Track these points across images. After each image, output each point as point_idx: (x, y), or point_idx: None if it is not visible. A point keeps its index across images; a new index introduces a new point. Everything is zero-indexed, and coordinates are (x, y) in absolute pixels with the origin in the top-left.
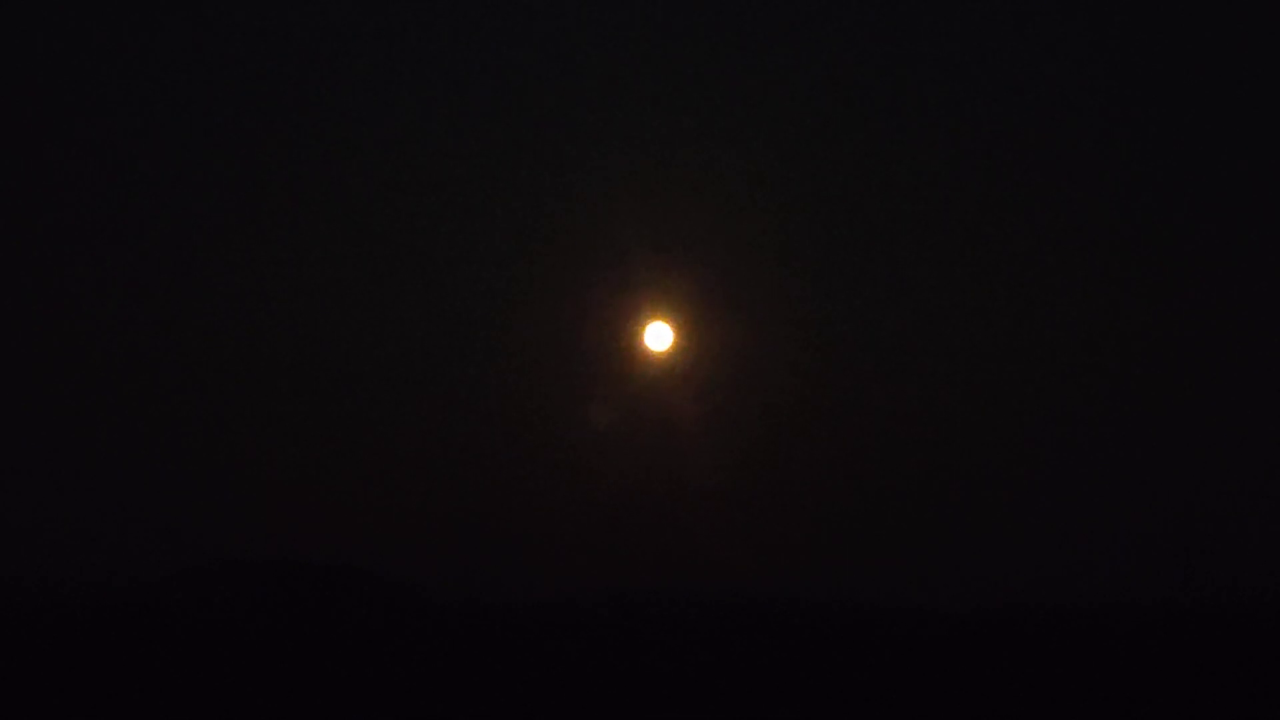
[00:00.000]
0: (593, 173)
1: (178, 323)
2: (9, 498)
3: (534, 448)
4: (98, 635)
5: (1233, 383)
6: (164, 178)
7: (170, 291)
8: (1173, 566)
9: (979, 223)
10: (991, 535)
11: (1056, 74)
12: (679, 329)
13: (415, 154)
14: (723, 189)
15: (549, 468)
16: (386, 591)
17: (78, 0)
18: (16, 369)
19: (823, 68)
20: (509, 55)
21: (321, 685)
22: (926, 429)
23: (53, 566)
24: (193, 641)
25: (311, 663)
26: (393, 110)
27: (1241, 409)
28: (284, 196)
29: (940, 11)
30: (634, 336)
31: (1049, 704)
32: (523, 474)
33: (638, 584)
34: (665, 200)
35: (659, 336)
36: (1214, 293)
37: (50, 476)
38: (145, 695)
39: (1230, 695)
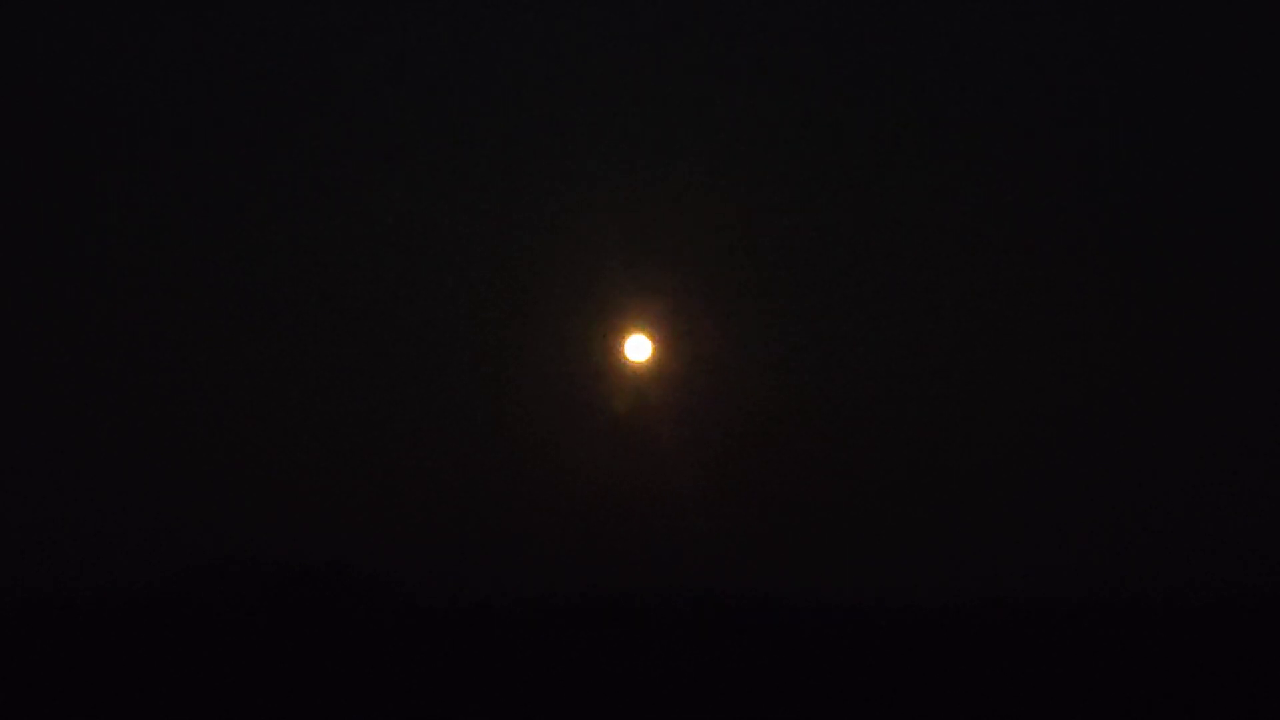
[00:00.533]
0: (577, 190)
1: (171, 323)
2: (8, 497)
3: (518, 453)
4: (97, 636)
5: (1221, 380)
6: (162, 175)
7: (167, 292)
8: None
9: (959, 227)
10: (968, 532)
11: (1046, 76)
12: (657, 340)
13: (409, 159)
14: (700, 202)
15: (532, 471)
16: (380, 590)
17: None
18: (17, 369)
19: (802, 77)
20: (494, 63)
21: (321, 685)
22: (904, 428)
23: (42, 567)
24: (193, 642)
25: (310, 662)
26: (382, 116)
27: (1230, 407)
28: (278, 202)
29: (925, 14)
30: (614, 348)
31: (1035, 698)
32: (507, 478)
33: (620, 583)
34: (644, 217)
35: (638, 347)
36: (1203, 291)
37: (44, 476)
38: (147, 695)
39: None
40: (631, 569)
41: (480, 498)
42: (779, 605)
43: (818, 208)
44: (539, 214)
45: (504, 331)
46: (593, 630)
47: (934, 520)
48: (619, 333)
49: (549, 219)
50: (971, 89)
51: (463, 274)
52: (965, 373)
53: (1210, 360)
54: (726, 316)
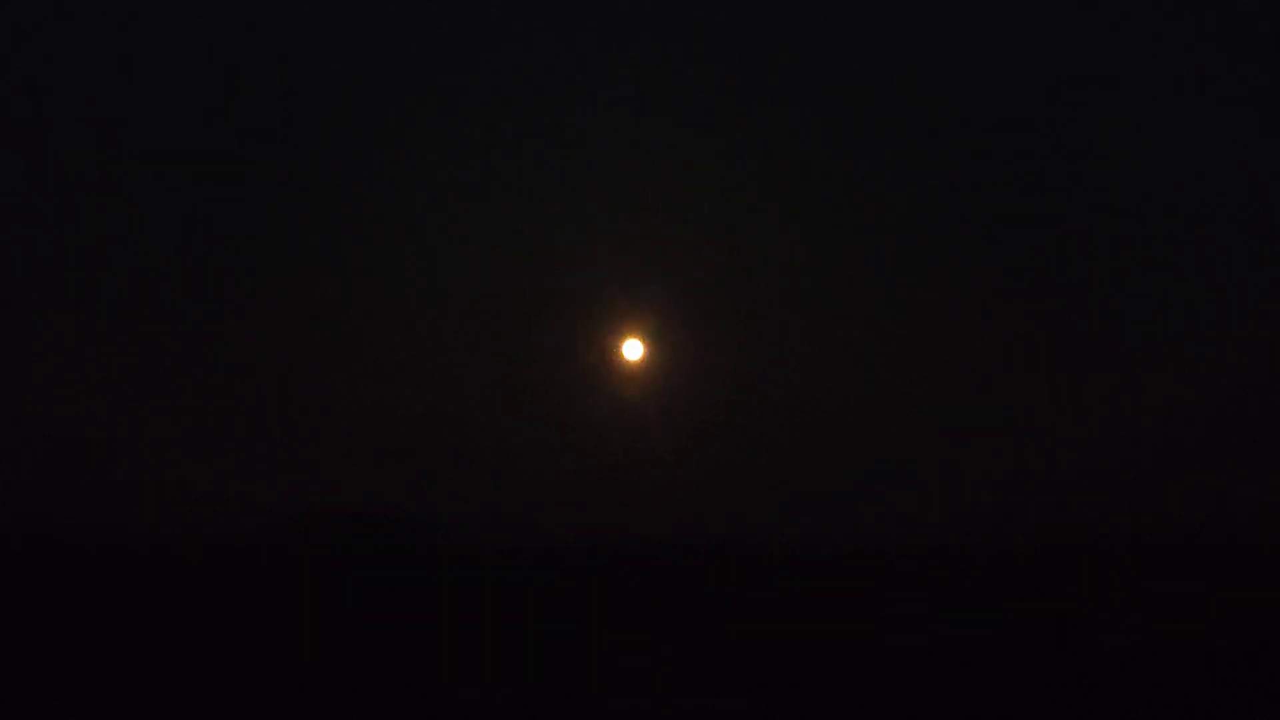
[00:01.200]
0: (591, 233)
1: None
2: (117, 450)
3: (542, 431)
4: (191, 581)
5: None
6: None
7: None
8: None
9: (931, 237)
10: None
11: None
12: (648, 344)
13: (421, 166)
14: (684, 240)
15: (552, 445)
16: (435, 536)
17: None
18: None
19: (790, 89)
20: (491, 72)
21: (390, 607)
22: (838, 410)
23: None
24: (276, 583)
25: (382, 590)
26: (389, 122)
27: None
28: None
29: (911, 28)
30: (613, 350)
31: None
32: (533, 450)
33: (617, 528)
34: (640, 253)
35: (633, 349)
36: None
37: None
38: (251, 621)
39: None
40: (625, 517)
41: (512, 465)
42: (739, 545)
43: (784, 242)
44: (566, 253)
45: (533, 340)
46: (587, 561)
47: (865, 481)
48: (618, 337)
49: (572, 256)
50: (923, 126)
51: (508, 297)
52: (888, 371)
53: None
54: (702, 328)
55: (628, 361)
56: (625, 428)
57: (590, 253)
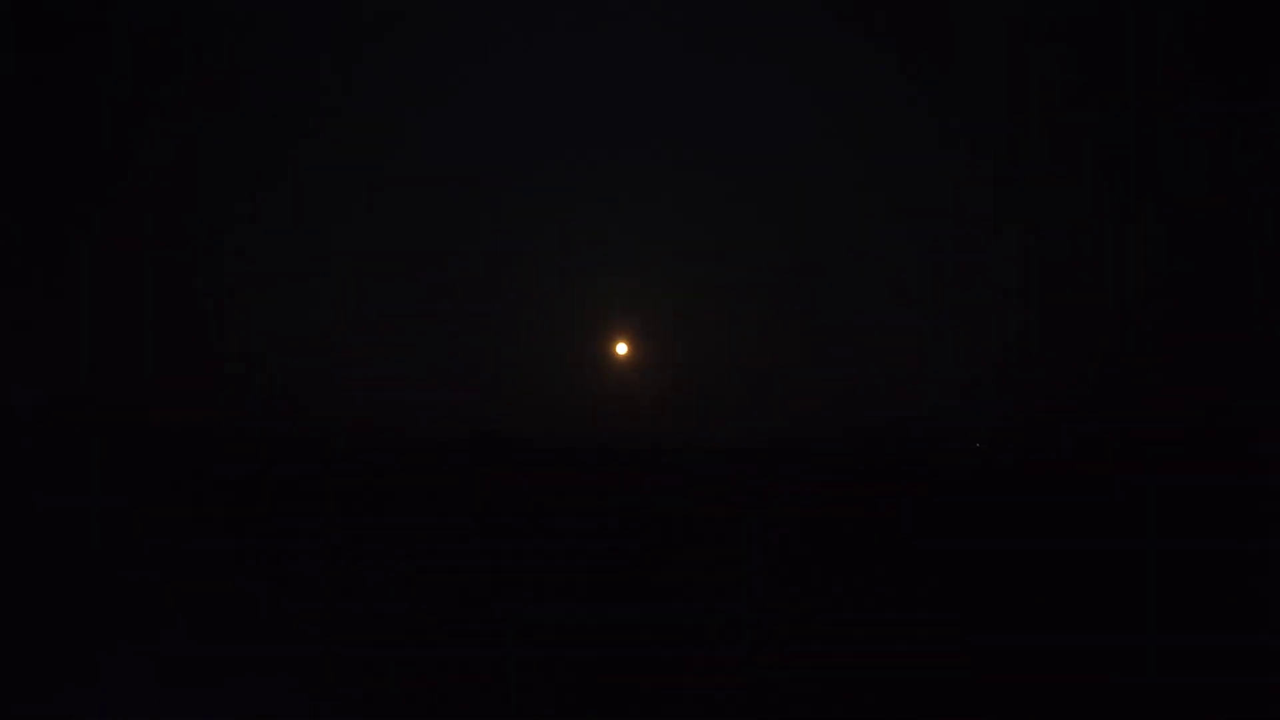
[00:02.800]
0: (595, 257)
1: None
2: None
3: (567, 399)
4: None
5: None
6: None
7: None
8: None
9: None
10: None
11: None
12: (634, 347)
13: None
14: (661, 276)
15: (571, 406)
16: (507, 444)
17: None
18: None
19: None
20: (496, 77)
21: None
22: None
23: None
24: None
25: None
26: (397, 121)
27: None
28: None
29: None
30: (610, 350)
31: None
32: (559, 407)
33: (614, 436)
34: (631, 284)
35: (623, 349)
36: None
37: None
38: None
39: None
40: (614, 430)
41: (547, 414)
42: (688, 450)
43: (748, 266)
44: (583, 279)
45: (560, 344)
46: (599, 458)
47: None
48: (614, 341)
49: (584, 283)
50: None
51: (536, 312)
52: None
53: None
54: (668, 336)
55: (619, 356)
56: (620, 397)
57: (598, 288)
